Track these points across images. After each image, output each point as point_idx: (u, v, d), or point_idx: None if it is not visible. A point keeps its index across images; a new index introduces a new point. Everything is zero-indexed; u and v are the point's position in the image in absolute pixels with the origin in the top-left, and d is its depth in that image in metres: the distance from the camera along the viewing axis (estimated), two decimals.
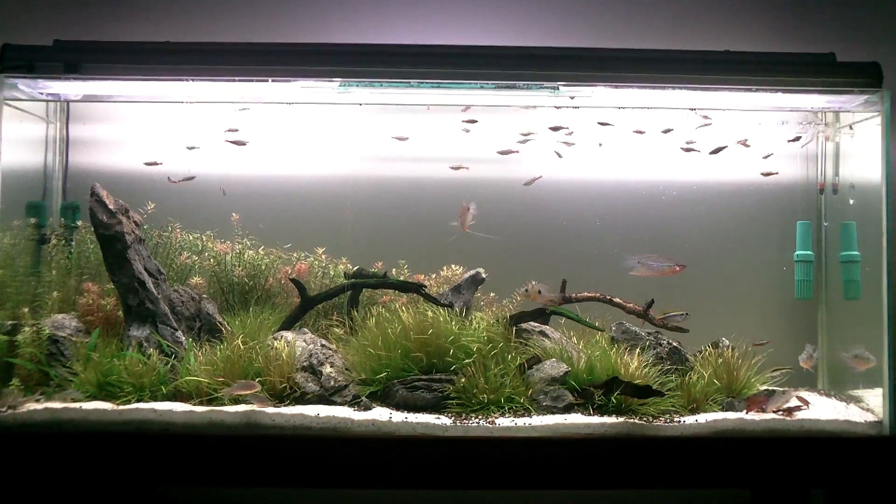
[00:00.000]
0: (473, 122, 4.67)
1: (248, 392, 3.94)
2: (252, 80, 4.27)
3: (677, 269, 4.33)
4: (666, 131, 4.71)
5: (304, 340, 4.32)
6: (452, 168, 4.78)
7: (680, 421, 3.97)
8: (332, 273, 4.83)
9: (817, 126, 4.88)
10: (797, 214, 4.90)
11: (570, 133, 4.70)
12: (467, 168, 4.79)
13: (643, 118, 4.70)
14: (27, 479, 3.84)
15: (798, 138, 4.77)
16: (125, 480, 3.85)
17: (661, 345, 4.43)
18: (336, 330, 4.53)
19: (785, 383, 4.51)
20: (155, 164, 4.67)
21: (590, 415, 3.98)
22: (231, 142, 4.68)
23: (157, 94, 4.63)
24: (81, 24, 5.08)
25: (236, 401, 3.96)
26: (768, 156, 4.83)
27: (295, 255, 4.84)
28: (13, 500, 3.96)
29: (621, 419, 3.94)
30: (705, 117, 4.63)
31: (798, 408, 4.13)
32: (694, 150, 4.74)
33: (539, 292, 4.38)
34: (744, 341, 4.47)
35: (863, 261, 4.51)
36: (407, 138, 4.78)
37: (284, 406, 3.98)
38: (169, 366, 4.12)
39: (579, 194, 4.98)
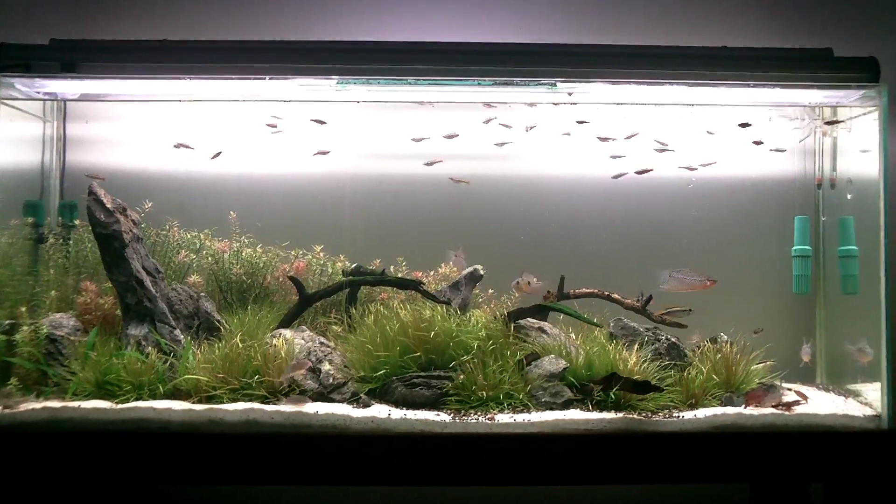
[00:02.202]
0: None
1: (301, 371, 4.04)
2: (249, 79, 4.27)
3: (708, 283, 4.35)
4: (629, 132, 4.78)
5: (303, 338, 4.32)
6: (426, 164, 4.81)
7: (679, 416, 3.97)
8: (330, 270, 4.84)
9: (814, 121, 4.89)
10: (795, 209, 4.90)
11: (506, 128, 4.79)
12: (441, 161, 4.80)
13: (641, 113, 4.73)
14: (26, 479, 3.83)
15: (747, 124, 4.75)
16: (124, 479, 3.85)
17: (659, 340, 4.43)
18: (334, 327, 4.53)
19: (783, 378, 4.52)
20: (96, 177, 4.62)
21: (589, 411, 3.98)
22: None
23: (155, 93, 4.63)
24: (78, 23, 5.08)
25: (235, 399, 3.97)
26: (780, 150, 4.86)
27: (293, 252, 4.83)
28: (12, 499, 3.95)
29: (620, 415, 3.94)
30: (709, 132, 4.74)
31: (797, 402, 4.13)
32: (669, 149, 4.79)
33: (529, 283, 4.40)
34: (742, 336, 4.47)
35: (860, 255, 4.52)
36: (428, 138, 4.82)
37: (283, 404, 3.98)
38: (167, 364, 4.11)
39: (577, 190, 4.98)
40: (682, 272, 4.37)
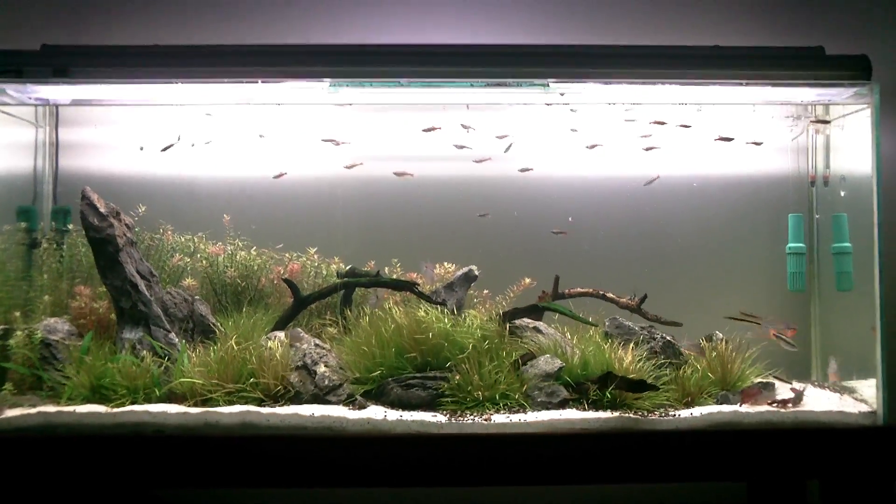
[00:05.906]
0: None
1: (299, 341, 4.20)
2: (242, 82, 4.26)
3: (789, 332, 4.45)
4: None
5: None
6: (346, 167, 4.86)
7: (675, 415, 3.97)
8: (324, 272, 4.83)
9: (807, 118, 4.90)
10: (789, 207, 4.91)
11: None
12: (361, 164, 4.87)
13: (635, 114, 4.74)
14: (22, 484, 3.82)
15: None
16: (120, 484, 3.83)
17: (654, 339, 4.43)
18: (329, 329, 4.53)
19: (783, 375, 4.54)
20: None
21: (585, 410, 3.98)
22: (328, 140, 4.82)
23: (147, 97, 4.62)
24: (69, 28, 5.07)
25: (231, 402, 3.96)
26: (759, 143, 4.86)
27: (287, 255, 4.83)
28: None
29: (616, 414, 3.94)
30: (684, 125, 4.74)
31: (792, 400, 4.13)
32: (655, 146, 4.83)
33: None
34: (737, 334, 4.47)
35: (854, 252, 4.53)
36: (439, 128, 4.82)
37: (279, 406, 3.97)
38: (162, 368, 4.10)
39: (572, 189, 4.98)
40: (770, 318, 4.47)
